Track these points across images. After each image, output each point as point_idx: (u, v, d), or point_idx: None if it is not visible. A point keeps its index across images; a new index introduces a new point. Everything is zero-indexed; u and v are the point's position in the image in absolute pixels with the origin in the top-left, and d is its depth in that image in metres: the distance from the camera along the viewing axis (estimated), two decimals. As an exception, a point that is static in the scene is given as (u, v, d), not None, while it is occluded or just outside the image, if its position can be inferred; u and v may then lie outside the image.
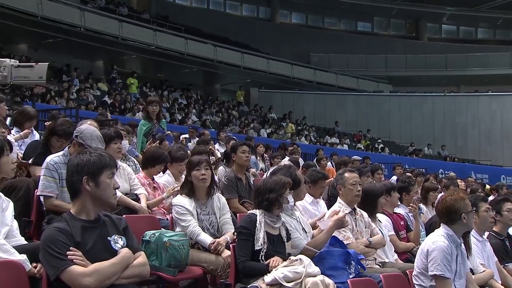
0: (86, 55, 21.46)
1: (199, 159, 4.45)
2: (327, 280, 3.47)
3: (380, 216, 5.14)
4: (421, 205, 6.53)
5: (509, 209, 5.09)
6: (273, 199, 3.81)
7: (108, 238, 2.71)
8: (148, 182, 5.27)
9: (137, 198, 4.91)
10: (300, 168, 9.65)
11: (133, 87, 20.08)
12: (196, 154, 5.25)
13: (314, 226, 4.68)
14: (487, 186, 13.94)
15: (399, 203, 5.98)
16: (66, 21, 18.88)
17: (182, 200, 4.34)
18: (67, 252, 2.53)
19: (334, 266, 3.87)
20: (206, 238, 4.22)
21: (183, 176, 5.80)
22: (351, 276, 3.84)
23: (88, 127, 4.40)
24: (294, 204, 4.34)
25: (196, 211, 4.33)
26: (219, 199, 4.56)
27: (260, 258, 3.67)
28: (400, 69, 30.43)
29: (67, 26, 18.96)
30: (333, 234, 4.27)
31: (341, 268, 3.87)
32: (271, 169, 8.44)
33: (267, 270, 3.55)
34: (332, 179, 7.75)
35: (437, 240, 3.76)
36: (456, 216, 3.81)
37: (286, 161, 9.92)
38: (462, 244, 3.94)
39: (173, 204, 4.38)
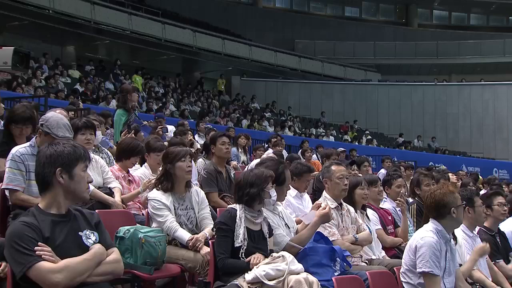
0: (56, 39, 21.18)
1: (185, 151, 4.49)
2: (311, 277, 3.49)
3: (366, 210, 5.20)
4: (410, 200, 6.59)
5: (500, 203, 5.17)
6: (254, 194, 3.82)
7: (80, 233, 2.71)
8: (122, 175, 5.25)
9: (110, 192, 4.88)
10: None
11: (137, 85, 20.04)
12: (173, 145, 5.24)
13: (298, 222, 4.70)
14: (480, 178, 14.15)
15: (385, 197, 6.04)
16: (33, 3, 18.57)
17: (158, 195, 4.34)
18: (35, 248, 2.51)
19: (318, 263, 3.90)
20: (184, 234, 4.23)
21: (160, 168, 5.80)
22: (336, 274, 3.88)
23: (54, 115, 4.35)
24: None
25: (174, 205, 4.34)
26: (198, 194, 4.56)
27: (240, 255, 3.69)
28: (389, 57, 30.61)
29: (35, 8, 18.67)
30: (318, 230, 4.30)
31: (326, 265, 3.90)
32: (254, 161, 8.44)
33: (247, 267, 3.57)
34: (317, 172, 7.79)
35: (426, 235, 3.80)
36: (446, 211, 3.85)
37: (270, 153, 9.94)
38: (452, 240, 3.99)
39: (148, 198, 4.38)
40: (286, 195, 4.55)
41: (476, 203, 4.73)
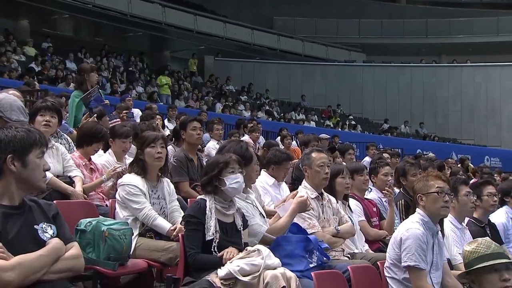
0: (8, 12, 20.76)
1: (155, 136, 4.52)
2: (288, 273, 3.51)
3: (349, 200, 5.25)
4: (396, 190, 6.65)
5: (490, 193, 5.25)
6: (205, 182, 3.87)
7: (35, 226, 2.67)
8: (83, 163, 5.22)
9: (71, 181, 4.85)
10: (261, 147, 9.74)
11: (165, 87, 19.94)
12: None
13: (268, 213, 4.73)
14: (470, 166, 14.39)
15: (371, 187, 6.08)
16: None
17: (134, 179, 4.37)
18: (-15, 244, 2.48)
19: (290, 254, 3.94)
20: (164, 223, 4.27)
21: (127, 156, 5.79)
22: (311, 265, 3.92)
23: (6, 96, 4.31)
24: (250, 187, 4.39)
25: (148, 193, 4.38)
26: (169, 184, 4.63)
27: (212, 249, 3.71)
28: (375, 36, 30.71)
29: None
30: (297, 222, 4.33)
31: (300, 255, 3.94)
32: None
33: (220, 263, 3.59)
34: (297, 160, 7.83)
35: (412, 227, 3.84)
36: (416, 197, 3.94)
37: (246, 139, 9.97)
38: (439, 232, 4.05)
39: (122, 183, 4.39)
40: (258, 174, 4.57)
41: (460, 192, 4.79)
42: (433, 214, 3.91)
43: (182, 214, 4.34)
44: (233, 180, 3.88)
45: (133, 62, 22.23)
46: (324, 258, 4.09)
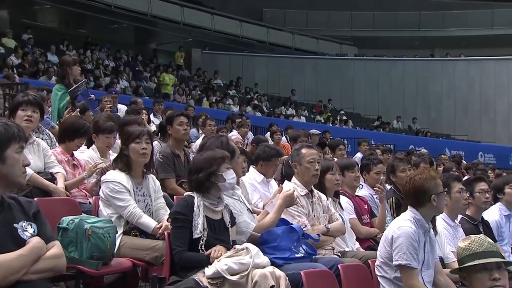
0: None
1: (140, 131, 4.50)
2: (278, 272, 3.53)
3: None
4: (387, 186, 6.67)
5: (482, 190, 5.29)
6: (202, 179, 3.84)
7: (15, 225, 2.66)
8: (66, 159, 5.21)
9: (52, 178, 4.83)
10: (250, 143, 9.75)
11: (168, 87, 19.84)
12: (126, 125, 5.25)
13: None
14: (464, 162, 14.47)
15: (363, 183, 6.11)
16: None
17: (118, 176, 4.36)
18: (-38, 243, 2.47)
19: (277, 247, 3.99)
20: (149, 221, 4.27)
21: (111, 152, 5.79)
22: (297, 255, 3.95)
23: None
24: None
25: (133, 190, 4.37)
26: (154, 181, 4.63)
27: (199, 247, 3.71)
28: (367, 29, 30.72)
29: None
30: (285, 219, 4.35)
31: (286, 248, 3.99)
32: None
33: (208, 261, 3.59)
34: (286, 156, 7.84)
35: (403, 225, 3.86)
36: (425, 198, 3.92)
37: (234, 135, 9.98)
38: (431, 230, 4.07)
39: (106, 180, 4.38)
40: (244, 168, 4.58)
41: (452, 189, 4.82)
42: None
43: (168, 211, 4.34)
44: (231, 175, 3.93)
45: (138, 59, 22.16)
46: (312, 243, 4.17)
